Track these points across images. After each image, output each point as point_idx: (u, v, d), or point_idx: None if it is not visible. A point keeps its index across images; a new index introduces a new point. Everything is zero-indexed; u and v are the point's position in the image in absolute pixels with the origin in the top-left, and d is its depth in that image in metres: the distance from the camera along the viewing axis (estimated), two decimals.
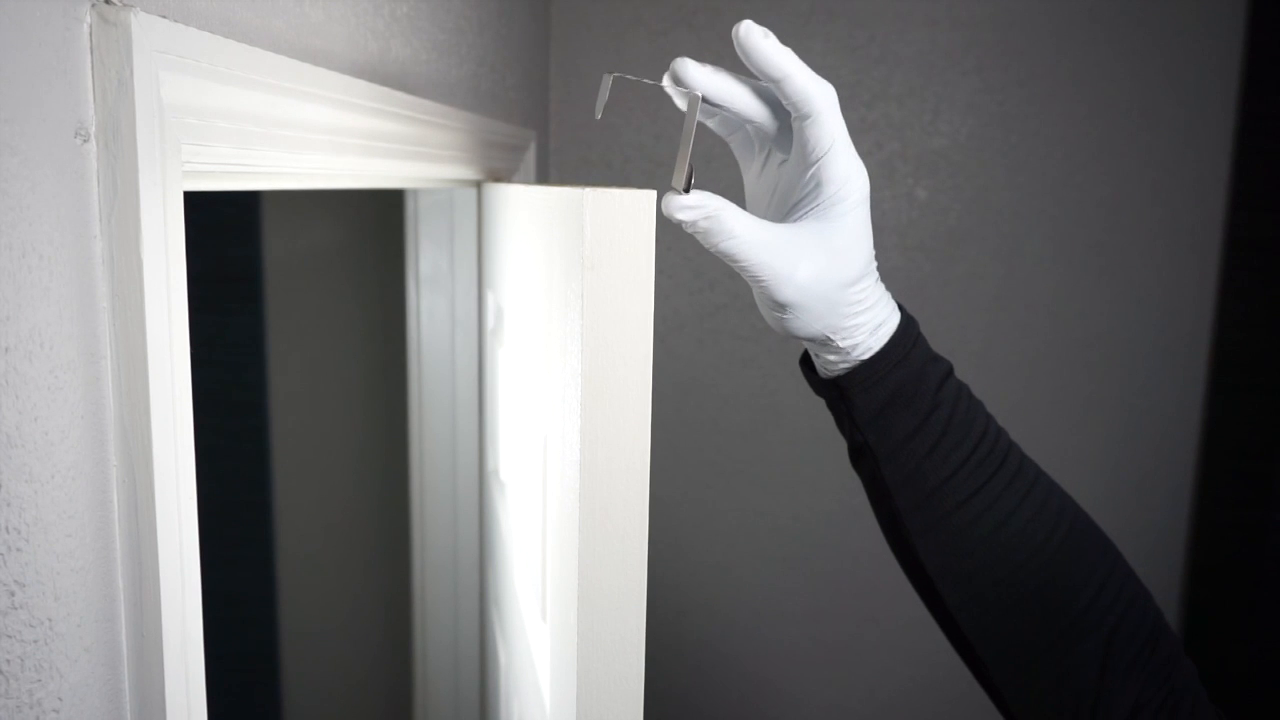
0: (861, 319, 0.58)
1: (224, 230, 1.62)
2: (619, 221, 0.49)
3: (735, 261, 0.54)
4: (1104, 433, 1.62)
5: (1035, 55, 1.55)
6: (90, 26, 0.42)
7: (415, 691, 1.35)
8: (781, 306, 0.56)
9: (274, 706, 1.73)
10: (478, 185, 1.14)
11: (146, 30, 0.43)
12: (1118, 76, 1.54)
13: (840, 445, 1.64)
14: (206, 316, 1.62)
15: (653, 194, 0.50)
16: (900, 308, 0.61)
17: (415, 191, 1.24)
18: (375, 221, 1.63)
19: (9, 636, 0.39)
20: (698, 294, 1.65)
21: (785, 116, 0.58)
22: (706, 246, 0.54)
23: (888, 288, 0.61)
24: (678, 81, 0.55)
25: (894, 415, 0.59)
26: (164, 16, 0.46)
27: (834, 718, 1.73)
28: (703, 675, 1.74)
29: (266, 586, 1.70)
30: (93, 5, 0.42)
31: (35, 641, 0.40)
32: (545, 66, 1.58)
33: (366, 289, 1.65)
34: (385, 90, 0.75)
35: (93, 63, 0.42)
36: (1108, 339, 1.60)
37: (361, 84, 0.70)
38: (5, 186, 0.37)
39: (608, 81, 0.56)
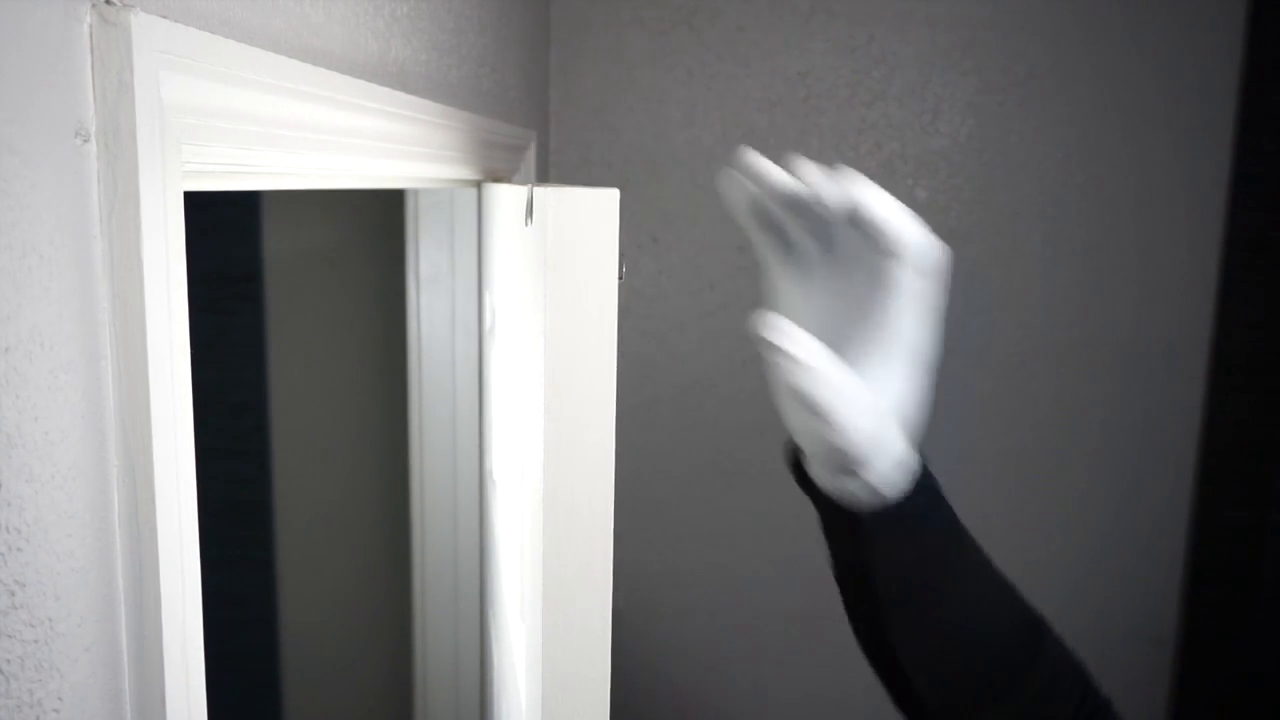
0: (895, 453, 0.58)
1: (224, 230, 1.62)
2: (580, 221, 0.49)
3: (805, 399, 0.53)
4: (1104, 433, 1.62)
5: (1035, 55, 1.54)
6: (90, 26, 0.42)
7: (415, 691, 1.35)
8: (834, 438, 0.56)
9: (274, 706, 1.73)
10: (478, 185, 1.14)
11: (146, 30, 0.43)
12: (1118, 76, 1.54)
13: None
14: (206, 316, 1.62)
15: (615, 193, 0.49)
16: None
17: (415, 191, 1.24)
18: (375, 221, 1.63)
19: (9, 636, 0.39)
20: (698, 294, 1.65)
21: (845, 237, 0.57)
22: (778, 374, 0.53)
23: None
24: (739, 175, 0.53)
25: (905, 544, 0.60)
26: (164, 16, 0.46)
27: (834, 717, 1.73)
28: (702, 675, 1.74)
29: (266, 586, 1.70)
30: (93, 5, 0.42)
31: (35, 641, 0.40)
32: (545, 66, 1.58)
33: (366, 289, 1.65)
34: (385, 90, 0.75)
35: (93, 63, 0.42)
36: (1108, 339, 1.60)
37: (361, 84, 0.70)
38: (5, 186, 0.37)
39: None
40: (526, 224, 0.57)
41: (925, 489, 0.61)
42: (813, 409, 0.54)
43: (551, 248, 0.49)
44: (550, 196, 0.48)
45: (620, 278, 0.52)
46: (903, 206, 0.53)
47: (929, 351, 0.57)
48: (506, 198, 0.87)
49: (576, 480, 0.51)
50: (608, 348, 0.51)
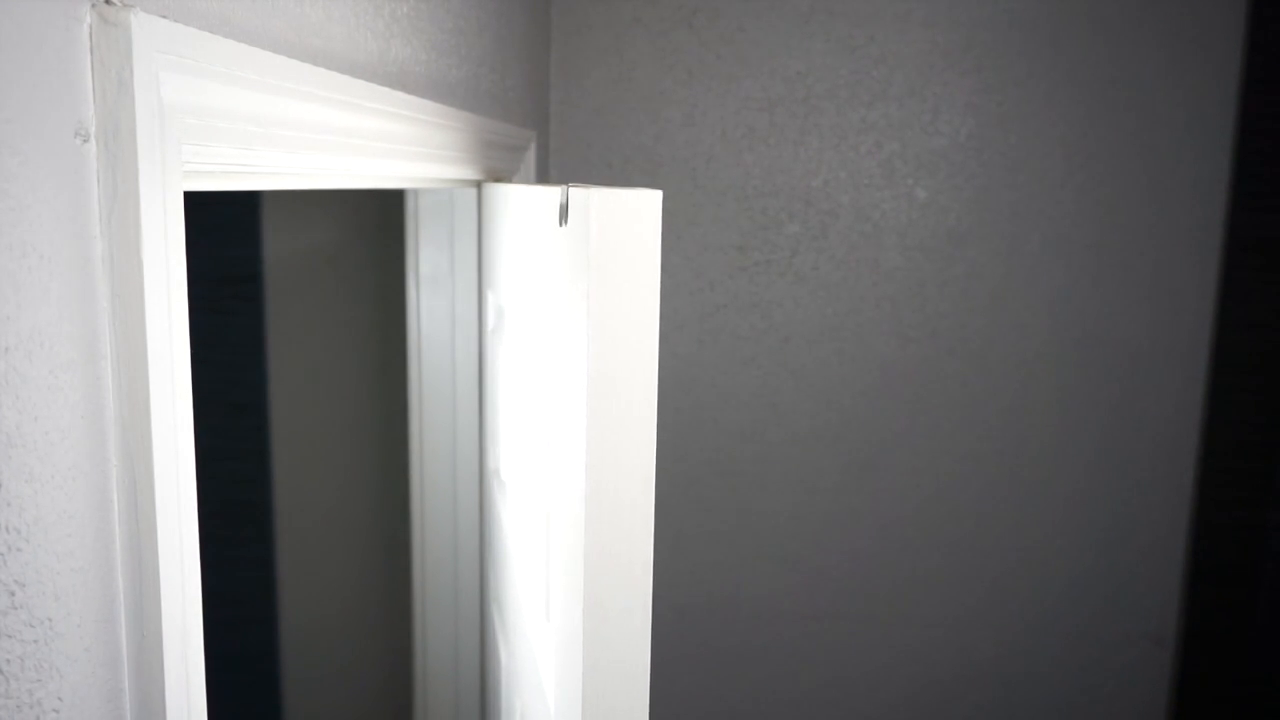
0: None
1: (224, 230, 1.62)
2: (625, 221, 0.49)
3: None
4: (1104, 432, 1.62)
5: (1035, 55, 1.55)
6: (90, 26, 0.42)
7: (415, 691, 1.35)
8: None
9: (274, 706, 1.73)
10: (478, 185, 1.14)
11: (146, 30, 0.43)
12: (1117, 76, 1.54)
13: (840, 445, 1.64)
14: (206, 316, 1.62)
15: (658, 194, 0.50)
16: None
17: (415, 191, 1.24)
18: (375, 221, 1.63)
19: (9, 636, 0.39)
20: (698, 294, 1.65)
21: None
22: None
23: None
24: None
25: None
26: (164, 16, 0.46)
27: (834, 717, 1.73)
28: (703, 674, 1.74)
29: (266, 586, 1.70)
30: (93, 5, 0.42)
31: (35, 641, 0.40)
32: (545, 66, 1.58)
33: (366, 289, 1.65)
34: (385, 90, 0.75)
35: (93, 63, 0.42)
36: (1108, 339, 1.60)
37: (361, 84, 0.70)
38: (5, 186, 0.37)
39: None
40: (560, 225, 0.57)
41: None
42: None
43: (595, 250, 0.49)
44: (593, 198, 0.48)
45: None
46: None
47: None
48: (514, 197, 0.87)
49: (620, 480, 0.51)
50: (651, 348, 0.50)
